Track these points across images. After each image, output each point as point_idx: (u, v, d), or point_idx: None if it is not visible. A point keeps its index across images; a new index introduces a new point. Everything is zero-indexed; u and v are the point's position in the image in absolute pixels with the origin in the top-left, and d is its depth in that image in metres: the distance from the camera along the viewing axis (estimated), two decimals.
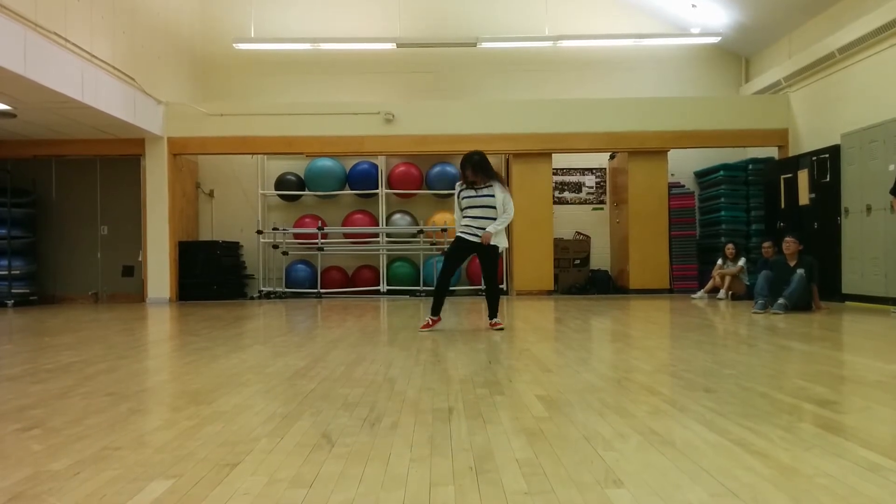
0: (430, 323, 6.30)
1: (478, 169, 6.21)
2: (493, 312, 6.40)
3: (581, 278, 12.34)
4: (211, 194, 13.07)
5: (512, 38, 12.37)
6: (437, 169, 12.50)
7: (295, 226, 12.55)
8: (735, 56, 13.01)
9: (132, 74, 10.31)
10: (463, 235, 6.25)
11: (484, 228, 6.17)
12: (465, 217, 6.28)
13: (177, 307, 10.32)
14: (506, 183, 6.51)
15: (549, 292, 11.90)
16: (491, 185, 6.24)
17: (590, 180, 13.27)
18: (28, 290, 11.40)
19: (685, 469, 2.10)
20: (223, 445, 2.43)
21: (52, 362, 4.54)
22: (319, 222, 12.33)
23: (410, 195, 12.73)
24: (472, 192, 6.25)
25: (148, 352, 5.34)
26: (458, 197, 6.36)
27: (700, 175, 12.85)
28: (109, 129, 10.73)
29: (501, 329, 6.24)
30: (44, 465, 2.23)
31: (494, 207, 6.21)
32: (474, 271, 12.25)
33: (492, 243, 6.20)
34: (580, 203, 13.22)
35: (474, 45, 12.06)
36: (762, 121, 11.62)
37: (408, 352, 4.85)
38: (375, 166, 12.50)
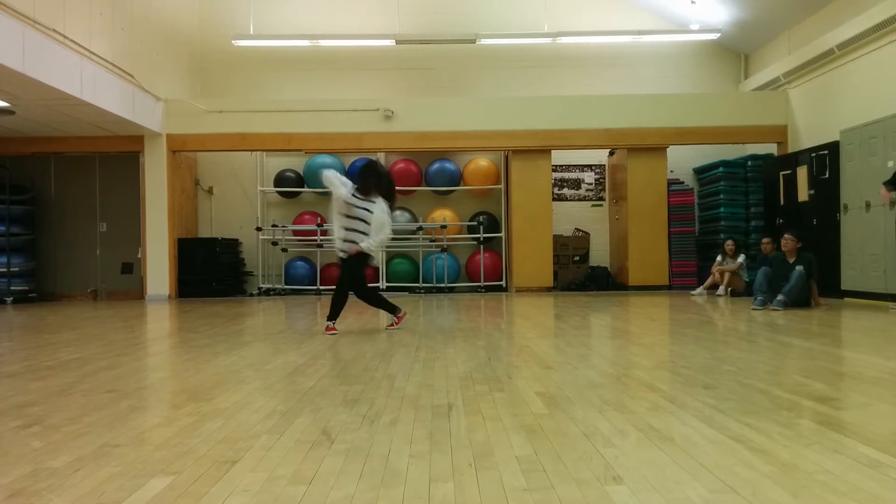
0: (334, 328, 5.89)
1: (368, 179, 5.93)
2: (333, 315, 5.95)
3: (580, 275, 12.35)
4: (210, 191, 13.06)
5: (511, 35, 12.35)
6: (436, 165, 12.49)
7: (294, 223, 12.54)
8: (734, 52, 13.00)
9: (131, 71, 10.30)
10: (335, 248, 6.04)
11: (355, 242, 5.84)
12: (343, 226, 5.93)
13: (176, 304, 10.32)
14: (393, 201, 6.16)
15: (549, 289, 11.91)
16: (374, 202, 5.89)
17: (589, 177, 13.27)
18: (27, 288, 11.40)
19: (685, 465, 2.10)
20: (223, 442, 2.43)
21: (52, 359, 4.54)
22: (318, 219, 12.32)
23: (409, 192, 12.71)
24: (356, 200, 5.88)
25: (147, 349, 5.34)
26: (343, 199, 5.89)
27: (699, 172, 12.85)
28: (108, 126, 10.72)
29: (335, 333, 5.79)
30: (43, 462, 2.23)
31: (369, 223, 5.87)
32: (474, 269, 12.26)
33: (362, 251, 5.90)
34: (579, 200, 13.22)
35: (473, 41, 12.04)
36: (761, 117, 11.62)
37: (407, 348, 4.86)
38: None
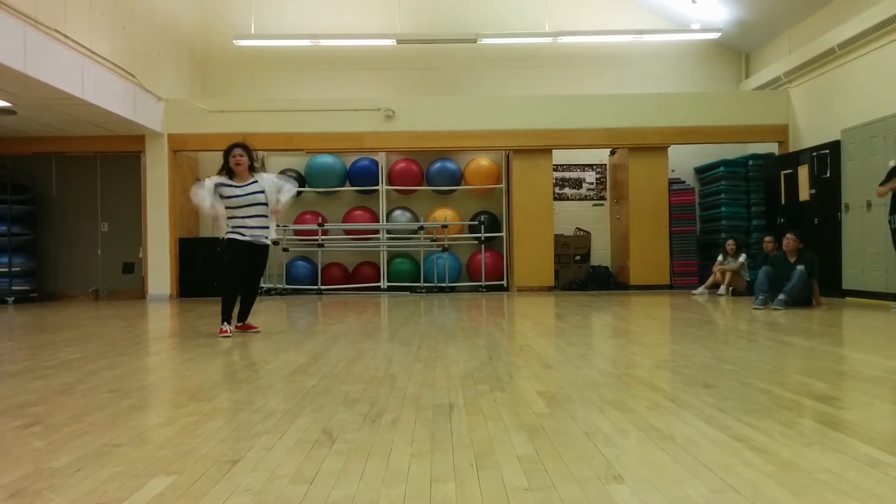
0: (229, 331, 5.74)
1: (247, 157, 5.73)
2: (246, 314, 5.95)
3: (581, 274, 12.34)
4: None
5: (512, 35, 12.34)
6: (437, 165, 12.49)
7: (295, 222, 12.54)
8: (735, 52, 12.99)
9: (132, 71, 10.31)
10: (236, 237, 5.70)
11: (265, 228, 5.74)
12: (234, 217, 5.70)
13: (177, 304, 10.32)
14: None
15: (550, 288, 11.90)
16: (256, 181, 5.75)
17: (590, 176, 13.27)
18: (28, 287, 11.40)
19: (685, 465, 2.10)
20: (224, 442, 2.43)
21: (53, 359, 4.55)
22: (320, 219, 12.32)
23: (411, 191, 12.72)
24: (237, 190, 5.67)
25: (148, 348, 5.34)
26: (213, 191, 5.69)
27: (700, 171, 12.84)
28: (109, 126, 10.73)
29: (258, 331, 5.83)
30: (45, 461, 2.23)
31: (266, 204, 5.75)
32: (475, 269, 12.26)
33: (265, 241, 5.80)
34: (580, 199, 13.21)
35: (474, 41, 12.03)
36: (762, 116, 11.61)
37: (408, 348, 4.86)
38: (376, 163, 12.49)
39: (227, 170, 5.76)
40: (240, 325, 5.99)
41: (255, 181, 5.78)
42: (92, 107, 9.35)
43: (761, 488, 1.88)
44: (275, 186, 5.90)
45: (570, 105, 11.84)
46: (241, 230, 5.72)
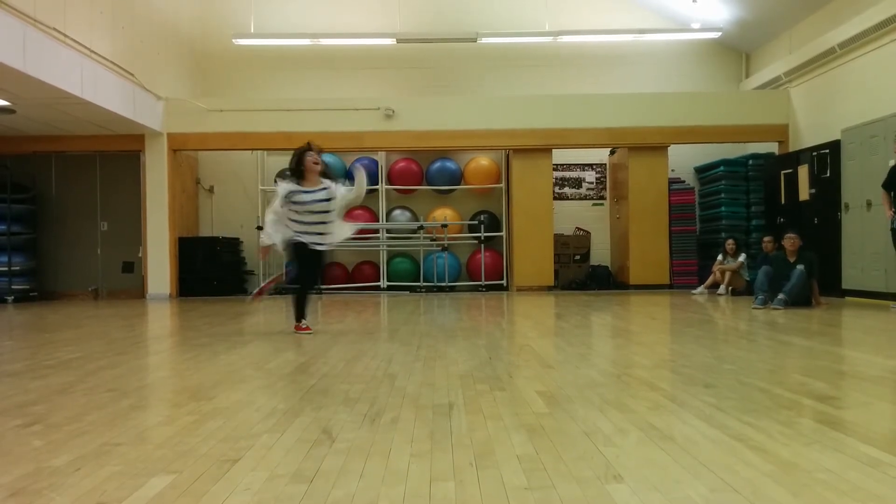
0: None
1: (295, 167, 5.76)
2: (302, 313, 5.87)
3: (581, 274, 12.35)
4: (211, 190, 13.06)
5: (512, 34, 12.34)
6: (437, 164, 12.49)
7: None
8: (735, 51, 12.99)
9: (132, 70, 10.30)
10: (299, 240, 5.68)
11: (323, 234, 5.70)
12: (296, 221, 5.68)
13: (177, 303, 10.32)
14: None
15: (549, 288, 11.91)
16: (326, 188, 5.72)
17: (590, 176, 13.27)
18: (28, 287, 11.40)
19: (685, 464, 2.10)
20: (224, 441, 2.43)
21: (53, 358, 4.55)
22: None
23: (410, 191, 12.72)
24: (305, 196, 5.66)
25: (148, 348, 5.34)
26: (285, 199, 5.67)
27: (700, 170, 12.84)
28: (109, 125, 10.72)
29: (310, 333, 5.74)
30: (44, 461, 2.23)
31: (329, 212, 5.73)
32: (474, 268, 12.26)
33: (324, 246, 5.76)
34: (580, 199, 13.22)
35: (474, 40, 12.03)
36: (762, 116, 11.61)
37: (408, 347, 4.86)
38: (375, 162, 12.49)
39: (297, 172, 5.77)
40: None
41: (325, 188, 5.75)
42: (91, 106, 9.35)
43: (761, 488, 1.88)
44: (343, 198, 5.85)
45: (569, 104, 11.84)
46: (303, 235, 5.69)
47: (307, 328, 5.78)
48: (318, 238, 5.74)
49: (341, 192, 5.83)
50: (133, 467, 2.14)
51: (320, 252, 5.81)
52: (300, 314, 5.84)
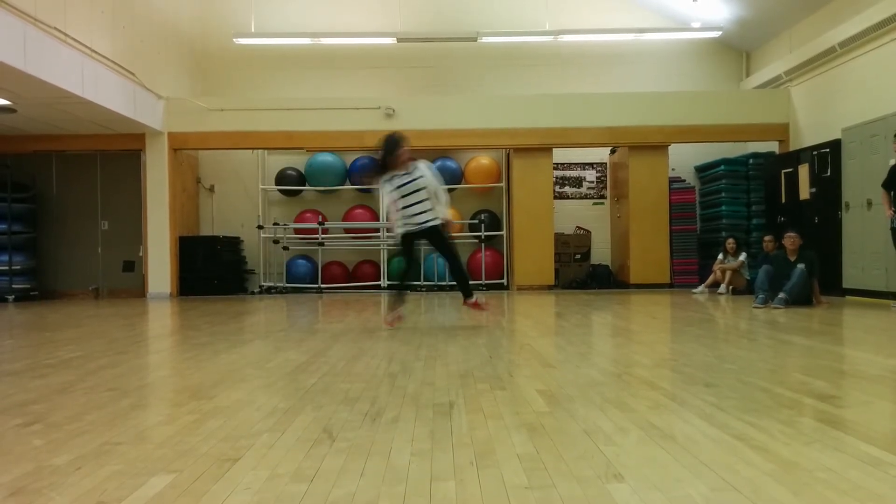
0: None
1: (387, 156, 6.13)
2: (467, 291, 6.29)
3: (581, 273, 12.35)
4: (211, 189, 13.06)
5: (512, 33, 12.34)
6: (437, 164, 12.46)
7: (295, 221, 12.55)
8: (736, 50, 12.98)
9: (132, 69, 10.30)
10: (408, 230, 6.11)
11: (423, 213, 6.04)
12: (403, 207, 6.08)
13: (177, 302, 10.32)
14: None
15: (550, 287, 11.91)
16: (417, 170, 6.09)
17: (590, 175, 13.26)
18: (28, 286, 11.40)
19: (686, 463, 2.10)
20: (224, 440, 2.43)
21: (53, 357, 4.55)
22: (320, 217, 12.32)
23: None
24: (405, 177, 6.08)
25: (149, 347, 5.34)
26: (388, 189, 6.18)
27: (701, 170, 12.84)
28: (109, 125, 10.72)
29: (481, 309, 6.33)
30: (45, 460, 2.23)
31: (426, 189, 6.07)
32: (475, 267, 12.25)
33: (431, 223, 6.06)
34: (581, 198, 13.21)
35: (475, 39, 12.03)
36: (763, 115, 11.61)
37: (408, 346, 4.86)
38: (376, 161, 12.45)
39: (385, 165, 6.13)
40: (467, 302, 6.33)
41: (417, 170, 6.11)
42: (92, 105, 9.35)
43: (761, 487, 1.88)
44: (433, 177, 6.16)
45: (570, 104, 11.84)
46: (411, 222, 6.07)
47: (476, 304, 6.29)
48: (424, 216, 6.06)
49: (429, 175, 6.15)
50: (133, 466, 2.14)
51: (431, 232, 6.09)
52: (467, 292, 6.25)
